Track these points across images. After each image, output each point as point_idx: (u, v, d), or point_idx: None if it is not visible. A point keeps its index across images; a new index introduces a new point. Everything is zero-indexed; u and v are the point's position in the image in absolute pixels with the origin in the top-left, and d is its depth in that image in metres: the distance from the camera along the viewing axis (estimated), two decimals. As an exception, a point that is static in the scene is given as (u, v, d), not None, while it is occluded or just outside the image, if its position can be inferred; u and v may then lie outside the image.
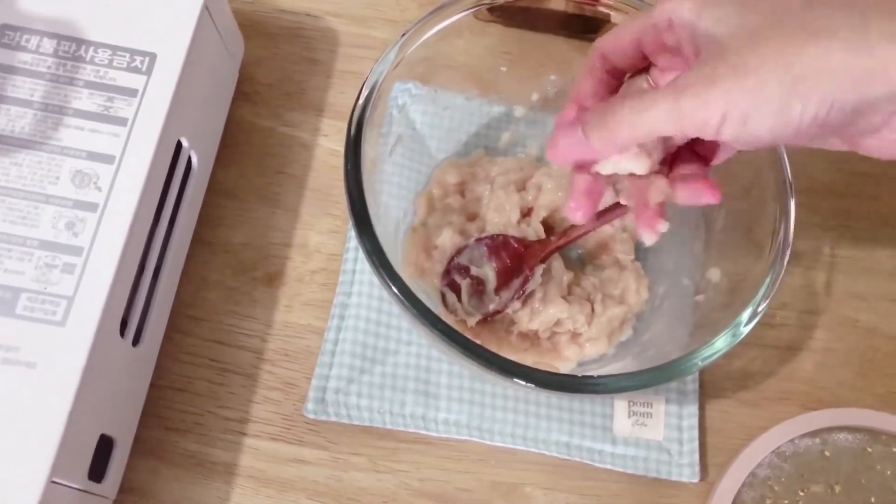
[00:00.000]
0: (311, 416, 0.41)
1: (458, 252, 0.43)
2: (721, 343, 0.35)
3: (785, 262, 0.37)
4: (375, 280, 0.43)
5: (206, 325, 0.42)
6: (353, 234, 0.44)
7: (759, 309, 0.36)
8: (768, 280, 0.36)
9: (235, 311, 0.43)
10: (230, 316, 0.43)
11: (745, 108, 0.26)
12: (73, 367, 0.32)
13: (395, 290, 0.34)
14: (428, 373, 0.42)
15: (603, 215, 0.38)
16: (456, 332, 0.33)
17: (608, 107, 0.30)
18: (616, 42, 0.33)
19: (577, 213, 0.35)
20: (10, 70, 0.37)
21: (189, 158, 0.41)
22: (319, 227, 0.45)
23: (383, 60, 0.39)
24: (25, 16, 0.38)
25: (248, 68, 0.48)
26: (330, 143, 0.47)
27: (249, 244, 0.44)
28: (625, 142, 0.30)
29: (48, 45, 0.38)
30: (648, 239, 0.35)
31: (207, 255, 0.44)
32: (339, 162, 0.46)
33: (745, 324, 0.36)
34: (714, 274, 0.41)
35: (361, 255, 0.44)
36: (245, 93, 0.47)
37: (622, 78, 0.35)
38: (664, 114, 0.28)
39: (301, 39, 0.50)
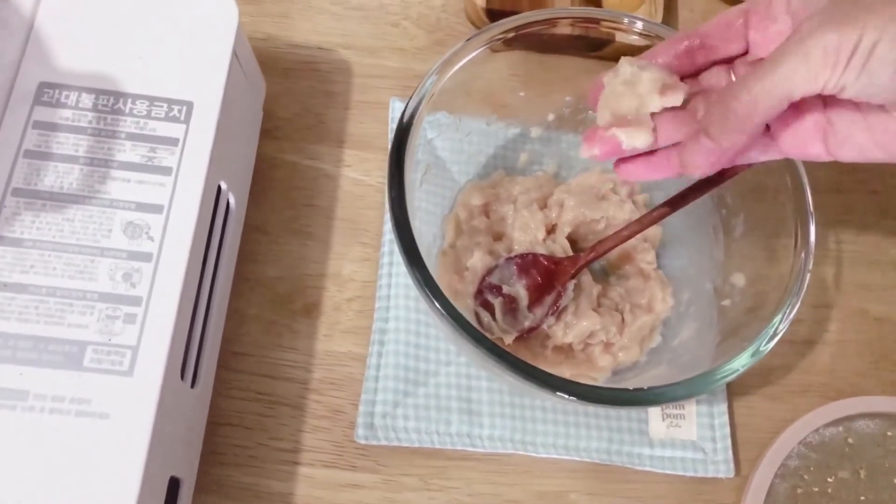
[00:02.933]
0: (363, 442, 0.42)
1: (489, 272, 0.44)
2: (747, 358, 0.37)
3: (805, 285, 0.39)
4: (411, 305, 0.45)
5: (251, 360, 0.43)
6: (385, 260, 0.46)
7: (780, 329, 0.38)
8: (787, 303, 0.38)
9: (278, 343, 0.44)
10: (273, 349, 0.44)
11: (874, 38, 0.27)
12: (145, 414, 0.33)
13: (444, 311, 0.36)
14: (469, 391, 0.44)
15: (642, 222, 0.40)
16: (521, 360, 0.35)
17: (720, 99, 0.31)
18: (720, 20, 0.35)
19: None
20: (53, 127, 0.38)
21: (227, 200, 0.42)
22: (351, 255, 0.47)
23: (416, 96, 0.40)
24: (62, 73, 0.39)
25: (268, 104, 0.49)
26: (353, 173, 0.49)
27: (284, 277, 0.46)
28: (757, 117, 0.30)
29: (87, 100, 0.38)
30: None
31: (246, 291, 0.45)
32: (364, 191, 0.48)
33: (767, 342, 0.38)
34: (738, 279, 0.43)
35: (395, 280, 0.45)
36: (267, 129, 0.49)
37: (697, 66, 0.36)
38: (795, 60, 0.28)
39: (316, 73, 0.51)
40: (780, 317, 0.38)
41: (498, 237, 0.46)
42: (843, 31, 0.27)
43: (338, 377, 0.44)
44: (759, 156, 0.34)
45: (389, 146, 0.47)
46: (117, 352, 0.34)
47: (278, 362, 0.44)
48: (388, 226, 0.47)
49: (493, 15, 0.51)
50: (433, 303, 0.36)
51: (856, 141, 0.31)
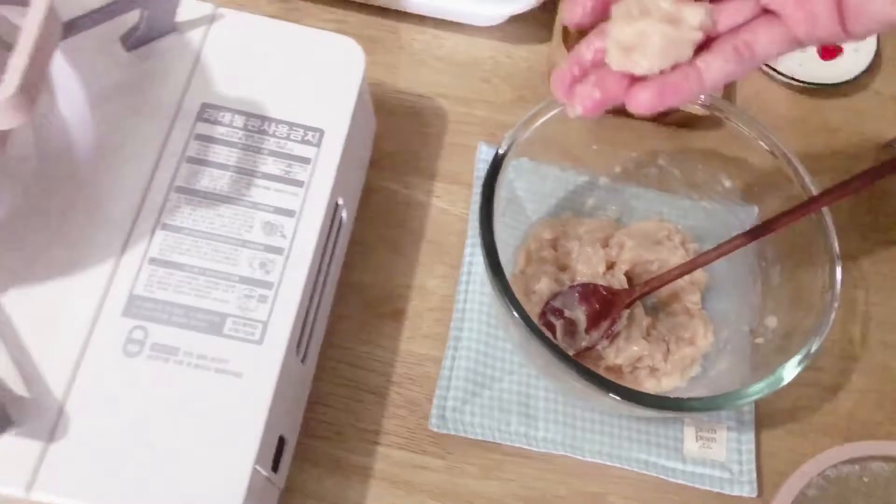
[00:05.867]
0: (434, 429, 0.49)
1: (553, 297, 0.51)
2: (767, 384, 0.43)
3: (828, 326, 0.45)
4: (483, 319, 0.52)
5: (345, 352, 0.51)
6: (463, 279, 0.53)
7: (800, 363, 0.44)
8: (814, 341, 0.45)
9: (368, 340, 0.51)
10: (363, 345, 0.51)
11: None
12: (269, 377, 0.41)
13: (520, 318, 0.43)
14: (528, 397, 0.50)
15: (690, 265, 0.47)
16: (581, 364, 0.42)
17: None
18: None
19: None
20: (211, 140, 0.46)
21: (341, 215, 0.50)
22: (434, 272, 0.54)
23: (505, 143, 0.47)
24: (221, 96, 0.47)
25: (375, 139, 0.57)
26: (441, 203, 0.56)
27: (377, 285, 0.53)
28: None
29: (239, 120, 0.47)
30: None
31: (346, 293, 0.52)
32: (449, 219, 0.55)
33: (788, 372, 0.44)
34: (771, 321, 0.49)
35: (470, 297, 0.53)
36: (373, 159, 0.57)
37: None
38: None
39: (416, 116, 0.59)
40: (802, 353, 0.44)
41: (563, 268, 0.53)
42: None
43: (416, 374, 0.51)
44: (775, 48, 0.33)
45: (476, 183, 0.56)
46: (251, 324, 0.42)
47: (367, 356, 0.51)
48: (468, 249, 0.54)
49: (574, 79, 0.59)
50: (510, 311, 0.43)
51: (871, 9, 0.31)
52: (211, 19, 0.49)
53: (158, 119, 0.46)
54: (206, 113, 0.47)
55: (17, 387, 0.39)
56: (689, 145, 0.53)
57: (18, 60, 0.33)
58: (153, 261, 0.43)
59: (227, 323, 0.42)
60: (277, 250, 0.44)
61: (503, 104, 0.61)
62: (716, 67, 0.33)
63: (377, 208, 0.55)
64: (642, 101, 0.33)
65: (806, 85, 0.61)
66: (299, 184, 0.46)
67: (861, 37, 0.32)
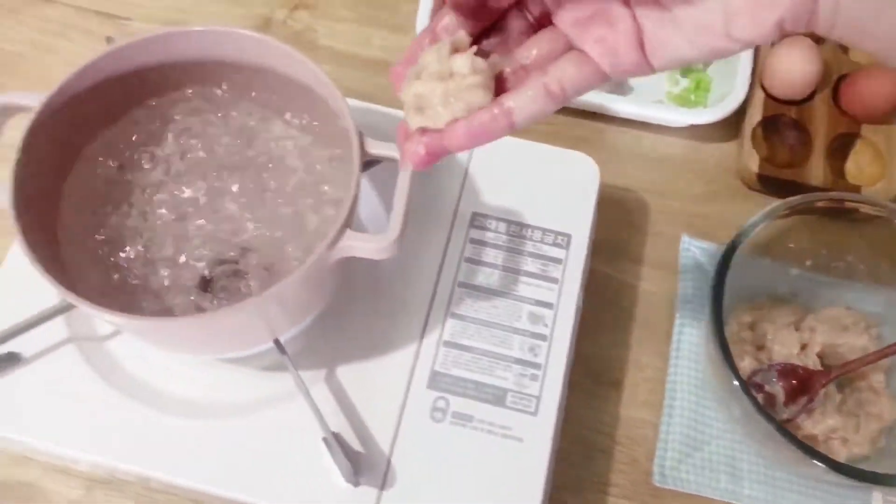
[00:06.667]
0: (658, 485, 0.58)
1: (754, 373, 0.60)
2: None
3: None
4: (693, 390, 0.61)
5: (576, 413, 0.61)
6: (673, 355, 0.62)
7: None
8: None
9: (594, 405, 0.61)
10: (589, 409, 0.61)
11: None
12: (545, 442, 0.51)
13: (744, 391, 0.52)
14: (733, 459, 0.59)
15: (880, 353, 0.55)
16: (794, 435, 0.51)
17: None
18: None
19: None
20: (482, 243, 0.57)
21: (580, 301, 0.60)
22: (645, 347, 0.64)
23: (734, 243, 0.56)
24: (486, 206, 0.58)
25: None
26: (648, 286, 0.66)
27: (598, 357, 0.63)
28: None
29: (502, 226, 0.58)
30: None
31: (575, 364, 0.62)
32: (656, 300, 0.65)
33: None
34: (955, 402, 0.56)
35: (680, 371, 0.62)
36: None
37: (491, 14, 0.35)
38: None
39: (623, 207, 0.69)
40: None
41: (760, 348, 0.62)
42: None
43: (635, 435, 0.61)
44: (585, 83, 0.34)
45: (682, 269, 0.65)
46: (527, 398, 0.52)
47: (594, 419, 0.61)
48: (677, 328, 0.63)
49: (764, 180, 0.68)
50: (735, 381, 0.52)
51: (670, 46, 0.32)
52: (473, 140, 0.61)
53: (441, 226, 0.57)
54: (477, 220, 0.58)
55: (355, 444, 0.51)
56: (876, 240, 0.61)
57: (399, 208, 0.45)
58: (447, 343, 0.54)
59: (508, 397, 0.52)
60: (542, 337, 0.54)
61: (696, 197, 0.70)
62: (527, 107, 0.34)
63: (595, 290, 0.65)
64: (458, 144, 0.35)
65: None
66: (554, 280, 0.56)
67: (666, 70, 0.33)
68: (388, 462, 0.50)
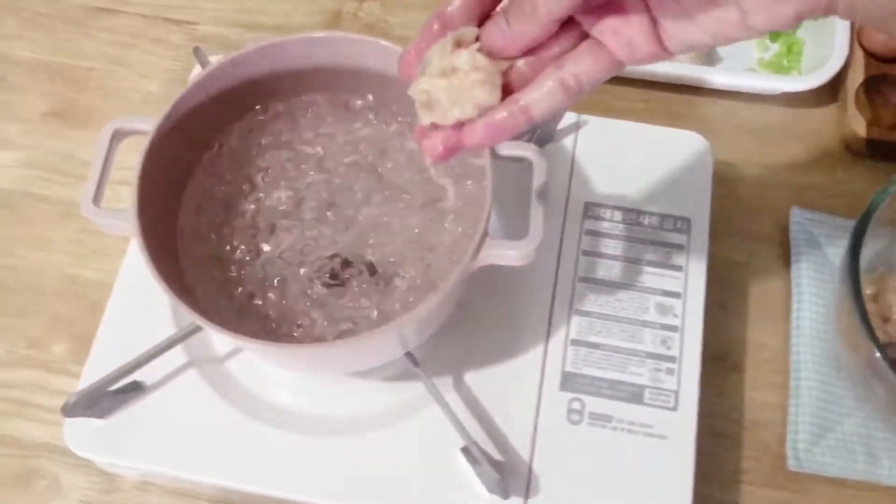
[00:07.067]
0: (793, 469, 0.56)
1: (886, 346, 0.58)
2: None
3: None
4: (818, 368, 0.59)
5: (701, 402, 0.59)
6: (794, 332, 0.60)
7: None
8: None
9: (715, 391, 0.59)
10: (713, 396, 0.59)
11: None
12: (689, 438, 0.50)
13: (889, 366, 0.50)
14: (868, 438, 0.57)
15: None
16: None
17: None
18: None
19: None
20: (598, 234, 0.55)
21: (700, 287, 0.58)
22: (762, 327, 0.61)
23: (863, 218, 0.54)
24: (598, 194, 0.56)
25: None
26: (761, 263, 0.63)
27: (716, 341, 0.61)
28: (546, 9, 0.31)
29: (617, 215, 0.56)
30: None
31: (692, 351, 0.61)
32: (769, 277, 0.62)
33: None
34: None
35: (803, 349, 0.60)
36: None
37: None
38: None
39: (724, 182, 0.66)
40: None
41: (885, 320, 0.60)
42: None
43: (762, 419, 0.59)
44: (601, 75, 0.34)
45: (794, 244, 0.62)
46: (665, 394, 0.51)
47: (717, 404, 0.59)
48: (795, 305, 0.61)
49: (872, 144, 0.65)
50: (877, 355, 0.50)
51: (687, 36, 0.32)
52: (577, 126, 0.58)
53: (554, 219, 0.55)
54: (590, 210, 0.56)
55: (493, 453, 0.49)
56: None
57: (537, 211, 0.43)
58: (574, 342, 0.52)
59: (646, 393, 0.51)
60: (672, 328, 0.52)
61: (799, 166, 0.67)
62: (543, 103, 0.34)
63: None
64: (476, 142, 0.35)
65: None
66: (678, 268, 0.54)
67: (683, 54, 0.34)
68: (530, 469, 0.49)
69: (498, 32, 0.33)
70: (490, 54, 0.33)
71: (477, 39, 0.33)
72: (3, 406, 0.59)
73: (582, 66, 0.33)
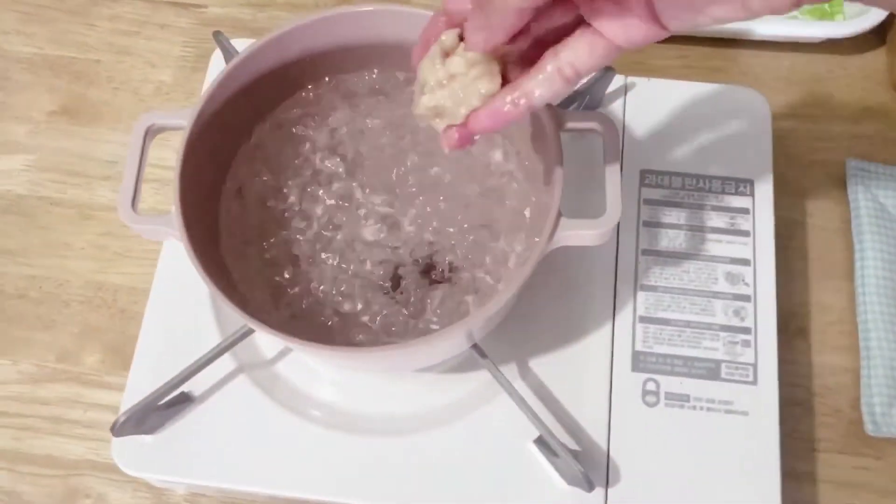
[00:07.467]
0: (871, 434, 0.54)
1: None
2: None
3: None
4: (888, 328, 0.56)
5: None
6: (859, 290, 0.58)
7: None
8: None
9: (782, 357, 0.57)
10: (781, 362, 0.57)
11: None
12: (772, 412, 0.47)
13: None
14: (945, 397, 0.55)
15: None
16: None
17: None
18: None
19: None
20: (657, 203, 0.52)
21: (762, 250, 0.56)
22: (826, 287, 0.59)
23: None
24: (653, 161, 0.53)
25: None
26: (818, 220, 0.60)
27: (783, 304, 0.58)
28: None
29: (677, 181, 0.53)
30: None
31: (756, 317, 0.58)
32: (828, 235, 0.60)
33: None
34: None
35: (870, 308, 0.57)
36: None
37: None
38: None
39: (773, 138, 0.63)
40: None
41: (952, 273, 0.57)
42: None
43: (833, 384, 0.56)
44: (598, 62, 0.34)
45: (852, 198, 0.59)
46: (742, 367, 0.48)
47: (787, 372, 0.56)
48: (858, 263, 0.58)
49: (925, 87, 0.62)
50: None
51: (683, 15, 0.31)
52: (624, 89, 0.55)
53: (609, 190, 0.52)
54: (647, 178, 0.53)
55: (569, 442, 0.47)
56: None
57: (613, 188, 0.40)
58: (642, 319, 0.49)
59: (723, 368, 0.48)
60: (744, 298, 0.50)
61: (850, 116, 0.64)
62: (542, 91, 0.35)
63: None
64: (481, 128, 0.36)
65: None
66: (745, 233, 0.51)
67: (681, 32, 0.33)
68: (608, 457, 0.46)
69: (478, 28, 0.33)
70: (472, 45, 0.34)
71: (461, 39, 0.34)
72: (37, 424, 0.56)
73: (578, 56, 0.34)
